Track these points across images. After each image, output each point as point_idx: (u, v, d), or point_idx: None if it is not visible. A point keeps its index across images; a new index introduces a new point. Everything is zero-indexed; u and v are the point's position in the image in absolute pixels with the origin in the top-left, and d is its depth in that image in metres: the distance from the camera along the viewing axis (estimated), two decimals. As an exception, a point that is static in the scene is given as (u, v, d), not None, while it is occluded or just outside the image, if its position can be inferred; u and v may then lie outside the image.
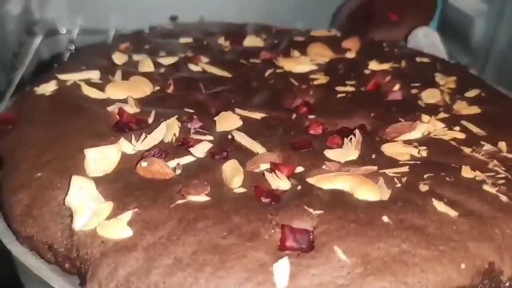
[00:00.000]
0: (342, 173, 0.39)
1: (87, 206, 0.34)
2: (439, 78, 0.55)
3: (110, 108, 0.45)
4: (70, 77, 0.49)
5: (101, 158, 0.38)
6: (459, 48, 0.84)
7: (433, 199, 0.36)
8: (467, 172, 0.39)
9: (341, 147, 0.43)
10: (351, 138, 0.43)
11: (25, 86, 0.70)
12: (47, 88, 0.47)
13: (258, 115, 0.47)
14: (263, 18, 0.89)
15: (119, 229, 0.33)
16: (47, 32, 0.86)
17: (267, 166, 0.40)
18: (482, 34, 0.81)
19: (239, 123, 0.45)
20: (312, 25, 0.87)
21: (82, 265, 0.33)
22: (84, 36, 0.86)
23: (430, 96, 0.51)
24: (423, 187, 0.37)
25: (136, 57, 0.56)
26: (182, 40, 0.62)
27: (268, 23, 0.75)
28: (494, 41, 0.78)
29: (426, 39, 0.70)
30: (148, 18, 0.88)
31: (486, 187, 0.38)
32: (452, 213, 0.35)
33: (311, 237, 0.33)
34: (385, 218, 0.34)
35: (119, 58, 0.55)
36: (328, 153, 0.42)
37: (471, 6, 0.83)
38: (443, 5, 0.86)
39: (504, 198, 0.37)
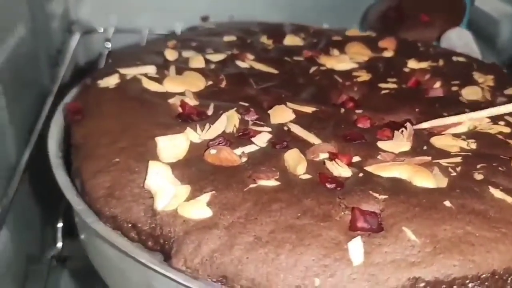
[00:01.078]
0: (398, 163, 0.41)
1: (166, 189, 0.37)
2: (477, 76, 0.58)
3: (171, 101, 0.47)
4: (130, 72, 0.51)
5: (172, 146, 0.41)
6: (485, 50, 0.86)
7: (490, 187, 0.38)
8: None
9: (392, 139, 0.45)
10: (402, 131, 0.45)
11: (66, 83, 0.73)
12: (111, 81, 0.50)
13: (309, 109, 0.49)
14: (291, 19, 0.92)
15: (199, 209, 0.35)
16: (84, 31, 0.89)
17: (326, 155, 0.42)
18: (508, 36, 0.83)
19: (292, 116, 0.48)
20: (339, 26, 0.89)
21: (166, 242, 0.35)
22: (119, 36, 0.89)
23: (471, 93, 0.53)
24: (478, 176, 0.39)
25: (185, 54, 0.58)
26: (226, 38, 0.64)
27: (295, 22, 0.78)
28: (520, 44, 0.81)
29: (460, 40, 0.72)
30: (179, 18, 0.91)
31: (537, 177, 0.40)
32: (509, 199, 0.37)
33: (379, 219, 0.35)
34: (447, 203, 0.36)
35: (170, 54, 0.57)
36: (382, 144, 0.44)
37: (496, 9, 0.85)
38: (469, 8, 0.88)
39: (554, 185, 0.39)
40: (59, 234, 0.49)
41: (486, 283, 0.33)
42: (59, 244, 0.49)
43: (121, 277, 0.39)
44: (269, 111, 0.48)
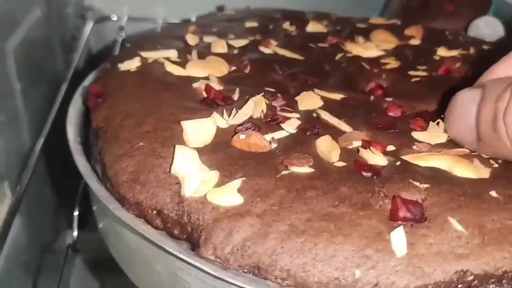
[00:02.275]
0: (436, 153, 0.39)
1: (194, 174, 0.35)
2: (510, 65, 0.55)
3: (195, 85, 0.45)
4: (152, 55, 0.49)
5: (198, 130, 0.39)
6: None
7: (535, 177, 0.36)
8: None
9: (425, 130, 0.43)
10: (438, 122, 0.43)
11: (80, 69, 0.71)
12: (132, 64, 0.48)
13: (337, 96, 0.47)
14: (311, 8, 0.90)
15: (230, 196, 0.33)
16: (98, 18, 0.87)
17: (359, 143, 0.40)
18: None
19: (320, 102, 0.46)
20: (359, 15, 0.87)
21: (194, 230, 0.33)
22: (132, 24, 0.87)
23: (507, 82, 0.51)
24: (522, 167, 0.37)
25: (207, 39, 0.56)
26: (248, 24, 0.62)
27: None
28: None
29: (489, 29, 0.70)
30: (193, 8, 0.89)
31: None
32: (559, 189, 0.35)
33: (422, 208, 0.33)
34: (493, 193, 0.34)
35: (191, 39, 0.55)
36: (416, 134, 0.42)
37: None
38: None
39: None
40: (75, 223, 0.47)
41: (539, 278, 0.31)
42: (75, 233, 0.47)
43: (143, 267, 0.37)
44: (296, 98, 0.46)
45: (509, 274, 0.30)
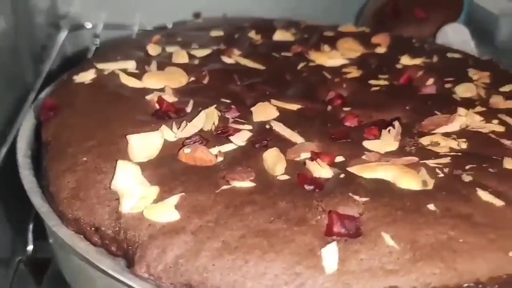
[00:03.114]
0: (384, 163, 0.39)
1: (133, 190, 0.35)
2: (472, 73, 0.55)
3: (148, 97, 0.45)
4: (108, 66, 0.49)
5: (144, 144, 0.39)
6: (483, 46, 0.84)
7: (478, 189, 0.36)
8: (509, 164, 0.39)
9: (379, 139, 0.43)
10: (389, 130, 0.43)
11: (52, 79, 0.71)
12: (86, 76, 0.48)
13: (294, 106, 0.47)
14: (287, 16, 0.90)
15: (167, 212, 0.33)
16: (72, 26, 0.87)
17: (308, 155, 0.40)
18: (507, 33, 0.80)
19: (276, 113, 0.46)
20: (335, 22, 0.87)
21: (130, 247, 0.33)
22: (108, 31, 0.87)
23: (465, 90, 0.51)
24: (466, 178, 0.37)
25: (169, 49, 0.56)
26: (213, 33, 0.62)
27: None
28: (519, 40, 0.78)
29: (456, 36, 0.70)
30: (171, 14, 0.89)
31: (529, 179, 0.37)
32: (498, 202, 0.35)
33: (358, 223, 0.33)
34: (431, 206, 0.34)
35: (153, 50, 0.55)
36: (367, 143, 0.42)
37: (496, 5, 0.83)
38: (468, 4, 0.86)
39: (548, 189, 0.37)
40: (30, 236, 0.47)
41: (470, 293, 0.31)
42: (30, 247, 0.47)
43: (87, 283, 0.37)
44: (252, 109, 0.46)
45: (438, 290, 0.30)
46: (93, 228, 0.34)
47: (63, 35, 0.83)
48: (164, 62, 0.53)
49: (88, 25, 0.88)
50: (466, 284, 0.31)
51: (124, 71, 0.49)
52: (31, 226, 0.47)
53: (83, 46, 0.88)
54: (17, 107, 0.61)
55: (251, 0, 0.94)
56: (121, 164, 0.36)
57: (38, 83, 0.67)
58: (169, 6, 0.91)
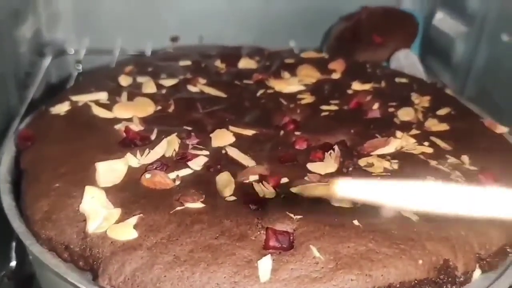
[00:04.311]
0: (321, 184, 0.44)
1: (98, 212, 0.40)
2: (414, 97, 0.61)
3: (117, 127, 0.51)
4: (82, 98, 0.55)
5: (110, 171, 0.44)
6: (442, 66, 0.90)
7: (399, 206, 0.41)
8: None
9: (323, 161, 0.48)
10: (331, 153, 0.49)
11: (36, 104, 0.76)
12: (62, 108, 0.53)
13: (249, 132, 0.53)
14: (259, 37, 0.95)
15: (126, 231, 0.38)
16: (56, 53, 0.92)
17: (256, 177, 0.45)
18: (463, 54, 0.86)
19: (232, 139, 0.51)
20: (305, 44, 0.93)
21: (95, 263, 0.38)
22: (91, 57, 0.92)
23: (405, 114, 0.57)
24: (391, 196, 0.42)
25: (140, 79, 0.62)
26: (182, 63, 0.68)
27: (263, 41, 0.81)
28: (473, 60, 0.84)
29: (406, 60, 0.76)
30: (151, 38, 0.95)
31: (446, 196, 0.43)
32: (414, 217, 0.40)
33: (291, 238, 0.38)
34: (356, 222, 0.39)
35: (124, 80, 0.61)
36: (310, 166, 0.47)
37: (452, 28, 0.89)
38: (426, 27, 0.92)
39: (461, 205, 0.42)
40: (13, 253, 0.52)
41: (383, 296, 0.36)
42: (13, 263, 0.52)
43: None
44: (211, 135, 0.51)
45: (356, 294, 0.36)
46: (63, 246, 0.40)
47: (47, 61, 0.88)
48: (134, 92, 0.58)
49: (71, 51, 0.93)
50: (379, 288, 0.36)
51: (97, 102, 0.54)
52: (14, 244, 0.52)
53: (67, 72, 0.94)
54: (2, 132, 0.66)
55: (225, 23, 0.99)
56: (88, 189, 0.41)
57: (22, 109, 0.72)
58: (148, 31, 0.96)
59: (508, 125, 0.56)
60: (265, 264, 0.36)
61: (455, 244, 0.39)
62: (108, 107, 0.54)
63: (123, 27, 0.96)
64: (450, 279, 0.38)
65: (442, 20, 0.93)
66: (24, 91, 0.77)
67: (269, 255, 0.37)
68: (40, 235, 0.40)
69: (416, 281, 0.37)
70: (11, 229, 0.53)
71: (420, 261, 0.37)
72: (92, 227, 0.39)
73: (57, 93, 0.61)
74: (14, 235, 0.53)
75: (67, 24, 0.95)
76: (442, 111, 0.57)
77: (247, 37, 0.95)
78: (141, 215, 0.40)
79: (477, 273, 0.40)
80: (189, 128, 0.52)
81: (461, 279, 0.39)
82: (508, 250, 0.42)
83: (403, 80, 0.66)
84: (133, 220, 0.39)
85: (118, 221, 0.39)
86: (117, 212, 0.40)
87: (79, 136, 0.49)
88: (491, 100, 0.76)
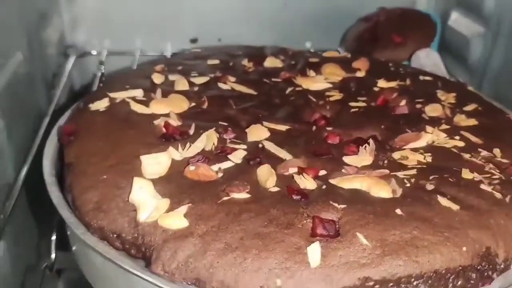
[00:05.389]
0: (360, 175, 0.45)
1: (148, 202, 0.41)
2: (440, 94, 0.62)
3: (156, 122, 0.52)
4: (119, 95, 0.56)
5: (155, 163, 0.45)
6: (458, 66, 0.91)
7: (438, 196, 0.42)
8: (467, 174, 0.46)
9: (357, 154, 0.50)
10: (365, 147, 0.50)
11: (61, 104, 0.77)
12: (101, 104, 0.54)
13: (283, 127, 0.54)
14: (276, 38, 0.96)
15: (177, 220, 0.40)
16: (79, 54, 0.94)
17: (295, 170, 0.46)
18: (479, 54, 0.88)
19: (267, 134, 0.52)
20: (322, 46, 0.94)
21: (147, 250, 0.39)
22: (111, 58, 0.94)
23: (432, 110, 0.58)
24: (429, 186, 0.44)
25: (171, 77, 0.63)
26: (210, 61, 0.69)
27: (281, 43, 0.82)
28: (489, 60, 0.85)
29: (428, 59, 0.77)
30: (170, 40, 0.96)
31: (483, 186, 0.44)
32: (455, 207, 0.41)
33: (337, 226, 0.39)
34: (399, 211, 0.40)
35: (157, 78, 0.62)
36: (347, 159, 0.49)
37: (468, 28, 0.90)
38: (443, 28, 0.93)
39: (498, 195, 0.44)
40: (53, 246, 0.53)
41: (429, 281, 0.37)
42: (53, 256, 0.53)
43: (109, 284, 0.43)
44: (246, 130, 0.52)
45: (404, 279, 0.37)
46: (115, 235, 0.41)
47: (70, 62, 0.90)
48: (168, 90, 0.60)
49: (94, 52, 0.95)
50: (426, 274, 0.37)
51: (134, 99, 0.56)
52: (53, 238, 0.53)
53: (88, 73, 0.95)
54: (33, 130, 0.67)
55: (243, 25, 1.01)
56: (136, 180, 0.43)
57: (50, 109, 0.73)
58: (167, 32, 0.98)
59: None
60: (315, 250, 0.37)
61: (496, 232, 0.40)
62: (145, 103, 0.55)
63: (142, 29, 0.98)
64: (491, 266, 0.39)
65: (458, 20, 0.94)
66: (51, 91, 0.79)
67: (317, 242, 0.38)
68: (91, 225, 0.42)
69: (460, 268, 0.38)
70: (51, 223, 0.56)
71: (464, 248, 0.38)
72: (143, 216, 0.40)
73: (80, 94, 0.63)
74: (54, 229, 0.54)
75: (89, 26, 0.96)
76: (469, 107, 0.59)
77: (264, 38, 0.96)
78: (190, 204, 0.41)
79: (516, 260, 0.42)
80: (225, 124, 0.54)
81: (502, 266, 0.40)
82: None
83: (427, 78, 0.67)
84: (183, 209, 0.40)
85: (167, 211, 0.41)
86: (166, 202, 0.41)
87: (120, 130, 0.50)
88: (507, 101, 0.77)
